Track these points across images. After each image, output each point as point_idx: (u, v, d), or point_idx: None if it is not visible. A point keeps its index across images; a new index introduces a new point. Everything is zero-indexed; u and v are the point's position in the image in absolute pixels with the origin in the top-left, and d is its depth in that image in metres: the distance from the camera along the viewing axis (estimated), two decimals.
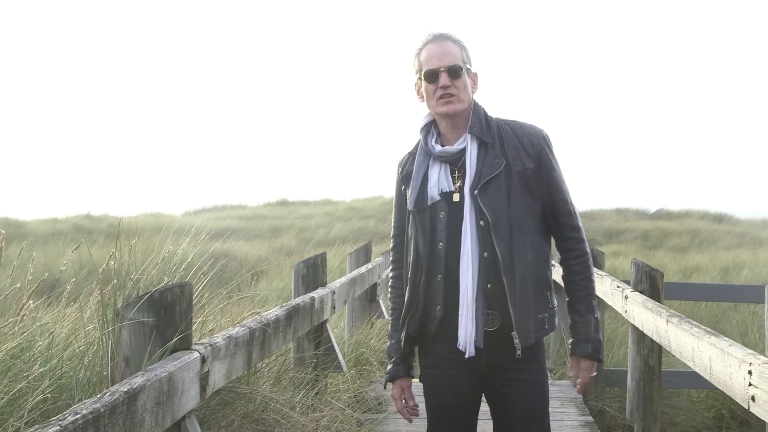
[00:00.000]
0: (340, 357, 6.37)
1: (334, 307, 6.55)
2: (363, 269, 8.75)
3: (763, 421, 3.38)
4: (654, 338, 5.32)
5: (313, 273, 6.31)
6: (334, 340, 6.35)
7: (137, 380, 2.87)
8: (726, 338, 3.89)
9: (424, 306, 3.51)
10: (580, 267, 3.57)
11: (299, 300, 5.46)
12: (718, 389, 8.17)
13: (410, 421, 3.73)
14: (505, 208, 3.40)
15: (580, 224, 3.60)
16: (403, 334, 3.60)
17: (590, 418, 7.26)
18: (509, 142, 3.48)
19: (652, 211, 40.11)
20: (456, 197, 3.47)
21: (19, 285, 4.34)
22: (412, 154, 3.65)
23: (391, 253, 3.79)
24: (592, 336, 3.52)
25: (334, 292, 6.48)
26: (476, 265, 3.40)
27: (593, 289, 3.59)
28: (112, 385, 3.24)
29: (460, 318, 3.42)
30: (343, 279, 7.47)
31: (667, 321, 4.81)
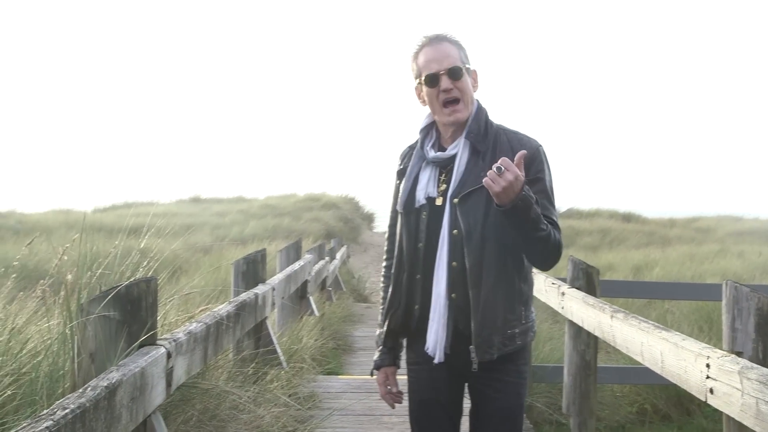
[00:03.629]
0: (280, 353, 6.36)
1: (274, 304, 6.54)
2: (296, 266, 8.72)
3: (720, 412, 3.47)
4: (596, 334, 5.42)
5: (252, 269, 6.28)
6: (274, 337, 6.34)
7: (114, 375, 2.84)
8: (678, 333, 3.98)
9: (406, 304, 3.54)
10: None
11: (245, 296, 5.43)
12: (642, 384, 8.38)
13: (393, 407, 3.76)
14: (481, 221, 3.36)
15: (560, 236, 3.42)
16: (384, 328, 3.64)
17: None
18: (502, 153, 3.38)
19: (562, 210, 40.83)
20: (438, 201, 3.46)
21: None
22: (411, 148, 3.65)
23: (386, 243, 3.79)
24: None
25: (273, 289, 6.46)
26: (446, 269, 3.41)
27: (551, 231, 3.30)
28: (78, 381, 3.21)
29: (430, 323, 3.44)
30: (281, 275, 7.45)
31: (612, 317, 4.91)
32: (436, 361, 3.44)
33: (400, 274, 3.55)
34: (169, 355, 3.43)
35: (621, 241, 30.70)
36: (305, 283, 9.56)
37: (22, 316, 4.10)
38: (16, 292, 4.84)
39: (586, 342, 6.31)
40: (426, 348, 3.46)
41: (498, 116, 3.58)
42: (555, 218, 3.43)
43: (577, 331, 6.25)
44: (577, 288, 6.24)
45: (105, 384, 2.70)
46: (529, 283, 3.56)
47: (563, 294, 6.31)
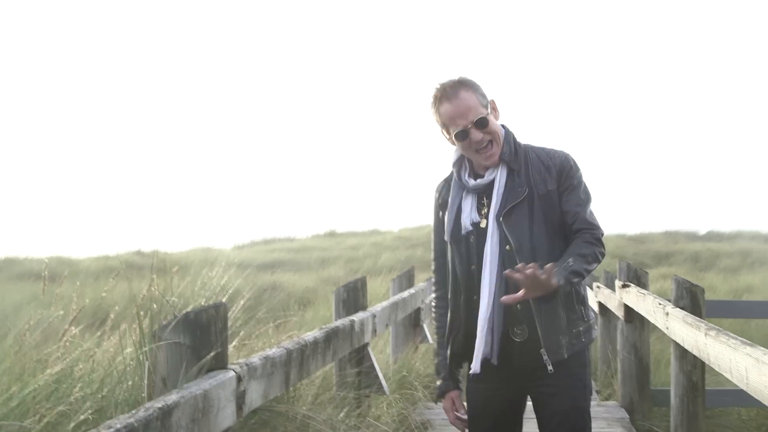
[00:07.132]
0: (382, 379, 6.41)
1: (375, 331, 6.60)
2: (405, 294, 8.79)
3: None
4: (694, 353, 5.29)
5: (353, 297, 6.37)
6: (375, 363, 6.39)
7: (172, 397, 2.92)
8: (762, 348, 3.87)
9: (466, 325, 3.66)
10: (583, 240, 3.53)
11: (339, 323, 5.51)
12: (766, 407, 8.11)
13: (462, 431, 3.84)
14: (527, 233, 3.54)
15: (599, 232, 3.59)
16: (448, 352, 3.77)
17: None
18: (534, 168, 3.62)
19: (702, 233, 39.84)
20: (483, 224, 3.62)
21: (62, 312, 4.46)
22: (447, 182, 3.82)
23: (433, 275, 3.94)
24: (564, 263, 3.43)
25: (374, 316, 6.52)
26: (495, 285, 3.54)
27: (586, 259, 3.48)
28: None
29: (478, 333, 3.57)
30: (385, 303, 7.52)
31: (705, 334, 4.80)
32: (471, 372, 3.62)
33: (458, 297, 3.70)
34: (239, 379, 3.51)
35: (763, 262, 29.75)
36: (418, 311, 9.62)
37: (108, 346, 4.27)
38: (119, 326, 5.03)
39: (692, 362, 6.17)
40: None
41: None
42: (590, 217, 3.62)
43: (682, 351, 6.12)
44: (681, 308, 6.11)
45: (159, 405, 2.78)
46: (583, 284, 3.72)
47: (667, 314, 6.17)
